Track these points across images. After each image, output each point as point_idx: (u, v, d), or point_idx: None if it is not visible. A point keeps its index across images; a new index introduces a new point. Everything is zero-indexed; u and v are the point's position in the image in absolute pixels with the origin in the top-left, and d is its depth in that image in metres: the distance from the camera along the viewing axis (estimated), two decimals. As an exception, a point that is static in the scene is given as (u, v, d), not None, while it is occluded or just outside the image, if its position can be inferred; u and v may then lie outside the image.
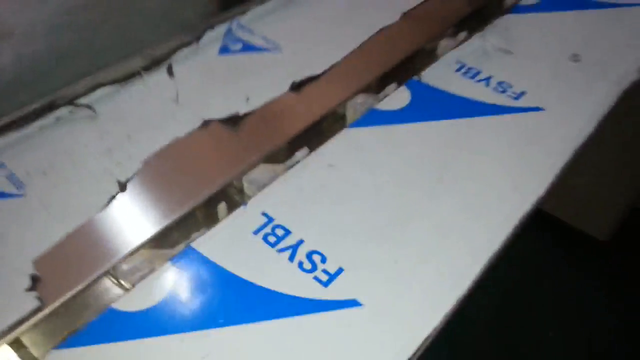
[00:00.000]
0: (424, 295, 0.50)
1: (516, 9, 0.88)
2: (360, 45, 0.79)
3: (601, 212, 1.50)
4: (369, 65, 0.76)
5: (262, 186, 0.59)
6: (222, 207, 0.57)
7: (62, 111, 0.64)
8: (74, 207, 0.55)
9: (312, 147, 0.64)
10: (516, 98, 0.71)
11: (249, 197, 0.58)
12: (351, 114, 0.69)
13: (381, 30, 0.82)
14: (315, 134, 0.67)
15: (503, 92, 0.72)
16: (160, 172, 0.60)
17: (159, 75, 0.71)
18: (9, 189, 0.56)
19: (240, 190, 0.60)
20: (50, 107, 0.63)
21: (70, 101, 0.65)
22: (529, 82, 0.73)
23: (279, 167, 0.61)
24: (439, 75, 0.74)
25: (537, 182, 0.60)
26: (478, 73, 0.75)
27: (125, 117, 0.65)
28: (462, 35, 0.82)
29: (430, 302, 0.49)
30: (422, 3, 0.88)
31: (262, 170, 0.61)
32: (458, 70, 0.75)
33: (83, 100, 0.66)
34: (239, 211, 0.56)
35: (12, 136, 0.61)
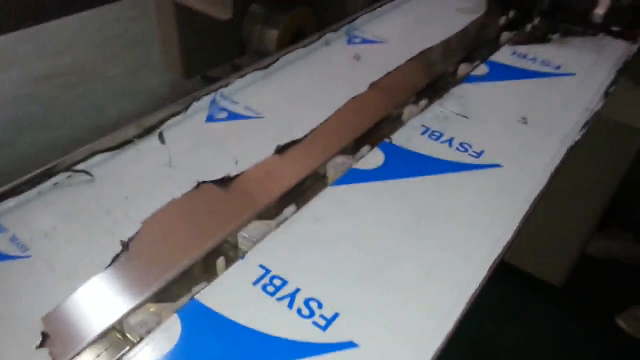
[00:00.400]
0: (414, 333, 0.54)
1: (468, 79, 0.99)
2: (335, 112, 0.86)
3: (555, 259, 1.59)
4: (344, 129, 0.83)
5: (255, 241, 0.63)
6: (220, 261, 0.61)
7: (60, 177, 0.67)
8: (79, 266, 0.57)
9: (299, 205, 0.69)
10: (476, 156, 0.80)
11: (244, 252, 0.62)
12: (332, 174, 0.75)
13: (353, 98, 0.91)
14: (300, 193, 0.72)
15: (465, 151, 0.80)
16: (159, 231, 0.63)
17: (152, 142, 0.76)
18: (14, 251, 0.58)
19: (235, 246, 0.65)
20: (49, 173, 0.67)
21: (68, 167, 0.68)
22: (486, 142, 0.82)
23: (270, 223, 0.66)
24: (408, 137, 0.82)
25: (504, 228, 0.67)
26: (441, 135, 0.83)
27: (122, 180, 0.69)
28: (423, 102, 0.92)
29: (419, 339, 0.54)
30: (386, 75, 0.98)
31: (255, 227, 0.65)
32: (423, 133, 0.83)
33: (80, 167, 0.69)
34: (238, 264, 0.60)
35: (12, 201, 0.63)
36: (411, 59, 1.05)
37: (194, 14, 2.34)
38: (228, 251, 0.64)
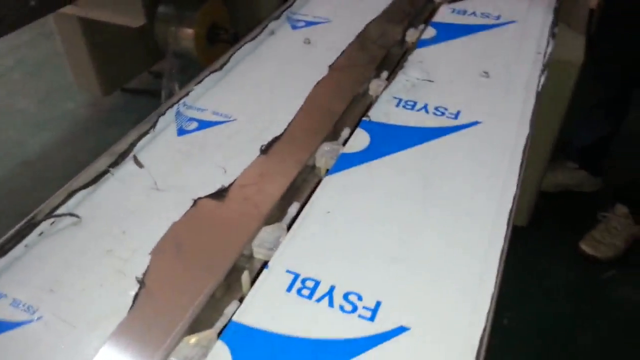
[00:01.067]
0: (460, 303, 0.55)
1: (420, 43, 1.00)
2: (305, 100, 0.85)
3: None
4: (320, 116, 0.82)
5: (271, 247, 0.61)
6: (245, 276, 0.58)
7: (44, 225, 0.62)
8: (100, 316, 0.53)
9: (302, 201, 0.67)
10: (455, 117, 0.81)
11: (264, 261, 0.60)
12: (323, 163, 0.74)
13: (317, 83, 0.89)
14: (298, 189, 0.71)
15: (442, 115, 0.81)
16: (171, 259, 0.59)
17: (129, 168, 0.71)
18: (20, 316, 0.53)
19: (250, 256, 0.62)
20: (31, 225, 0.61)
21: (50, 214, 0.62)
22: (458, 102, 0.84)
23: (281, 226, 0.64)
24: (385, 112, 0.81)
25: (503, 182, 0.68)
26: (415, 103, 0.84)
27: (112, 215, 0.65)
28: (385, 74, 0.92)
29: (468, 305, 0.54)
30: (342, 54, 0.97)
31: (267, 233, 0.63)
32: (398, 105, 0.83)
33: (62, 210, 0.64)
34: (264, 275, 0.57)
35: (1, 262, 0.57)
36: (360, 34, 1.04)
37: (101, 26, 2.21)
38: (246, 264, 0.61)
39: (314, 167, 0.75)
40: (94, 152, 0.70)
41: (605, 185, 1.83)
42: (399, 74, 0.91)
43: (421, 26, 1.07)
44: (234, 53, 0.95)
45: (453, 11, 1.12)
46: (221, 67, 0.91)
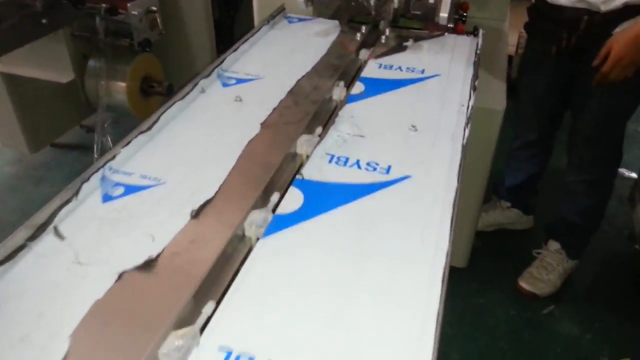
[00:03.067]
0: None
1: (350, 98, 1.02)
2: (237, 160, 0.84)
3: (455, 243, 1.69)
4: (252, 177, 0.80)
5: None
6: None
7: (-50, 313, 0.56)
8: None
9: (234, 268, 0.65)
10: (386, 172, 0.82)
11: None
12: (253, 232, 0.71)
13: (249, 142, 0.88)
14: (229, 257, 0.68)
15: (374, 170, 0.82)
16: (93, 341, 0.55)
17: (48, 241, 0.67)
18: None
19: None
20: None
21: (-44, 298, 0.57)
22: (389, 156, 0.85)
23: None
24: (318, 169, 0.82)
25: (436, 234, 0.69)
26: (347, 159, 0.84)
27: (28, 295, 0.60)
28: (319, 130, 0.92)
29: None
30: (273, 111, 0.98)
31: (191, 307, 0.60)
32: (330, 161, 0.84)
33: (-29, 293, 0.59)
34: (195, 354, 0.54)
35: None
36: (291, 90, 1.05)
37: (27, 82, 2.14)
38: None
39: (243, 236, 0.73)
40: (19, 213, 0.65)
41: (536, 223, 1.91)
42: (331, 129, 0.92)
43: (350, 81, 1.10)
44: (164, 112, 0.94)
45: (380, 66, 1.16)
46: (150, 128, 0.89)
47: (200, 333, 0.56)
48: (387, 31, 1.34)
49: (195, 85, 1.03)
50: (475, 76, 1.10)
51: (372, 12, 1.40)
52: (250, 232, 0.71)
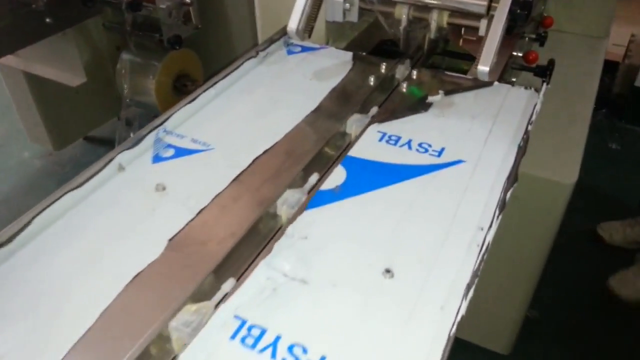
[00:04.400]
0: None
1: (314, 201, 0.71)
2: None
3: (498, 327, 1.36)
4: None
5: None
6: None
7: None
8: None
9: None
10: (313, 374, 0.51)
11: None
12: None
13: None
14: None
15: (295, 365, 0.51)
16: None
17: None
18: None
19: None
20: None
21: None
22: (335, 333, 0.54)
23: None
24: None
25: None
26: (263, 332, 0.54)
27: None
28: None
29: None
30: (196, 217, 0.68)
31: None
32: (235, 338, 0.54)
33: None
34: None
35: None
36: (238, 178, 0.74)
37: (48, 79, 1.98)
38: None
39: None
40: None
41: None
42: (261, 264, 0.61)
43: (334, 162, 0.78)
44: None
45: (382, 137, 0.82)
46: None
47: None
48: (414, 74, 0.99)
49: (111, 160, 0.76)
50: (516, 167, 0.74)
51: (400, 44, 1.05)
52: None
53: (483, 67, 0.81)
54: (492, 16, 0.83)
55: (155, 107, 2.21)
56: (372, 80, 0.95)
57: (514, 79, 1.28)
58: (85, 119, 2.26)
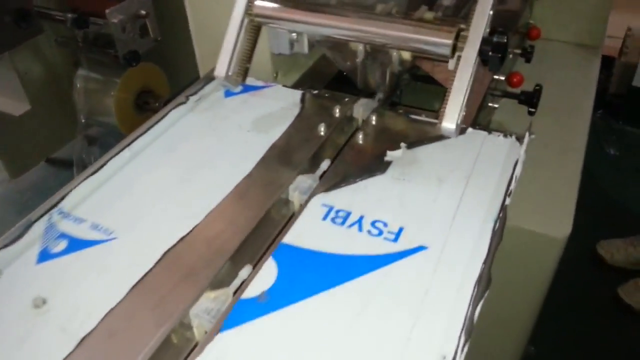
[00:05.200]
0: None
1: (233, 318, 0.55)
2: None
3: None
4: None
5: None
6: None
7: None
8: None
9: None
10: None
11: None
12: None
13: None
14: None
15: None
16: None
17: None
18: None
19: None
20: None
21: None
22: None
23: None
24: None
25: None
26: None
27: None
28: None
29: None
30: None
31: None
32: None
33: None
34: None
35: None
36: (137, 286, 0.59)
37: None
38: None
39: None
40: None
41: None
42: None
43: (267, 249, 0.62)
44: None
45: (327, 214, 0.66)
46: None
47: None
48: (372, 119, 0.83)
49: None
50: (489, 263, 0.58)
51: (357, 82, 0.89)
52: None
53: (448, 125, 0.65)
54: (460, 57, 0.67)
55: (116, 127, 2.04)
56: (322, 130, 0.80)
57: (495, 105, 1.12)
58: (43, 142, 2.09)
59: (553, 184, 0.97)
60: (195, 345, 0.53)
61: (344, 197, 0.68)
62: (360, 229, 0.64)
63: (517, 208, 0.88)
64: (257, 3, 0.76)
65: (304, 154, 0.76)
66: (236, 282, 0.57)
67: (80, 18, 1.68)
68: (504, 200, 0.66)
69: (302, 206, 0.67)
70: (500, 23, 1.15)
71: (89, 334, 0.53)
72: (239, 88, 0.91)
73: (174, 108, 0.83)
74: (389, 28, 0.69)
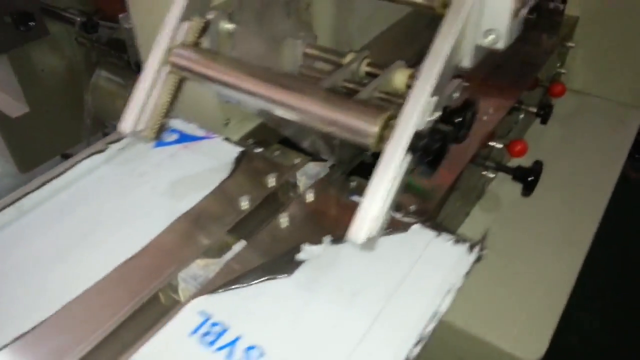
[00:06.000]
0: None
1: None
2: None
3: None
4: None
5: None
6: None
7: None
8: None
9: None
10: None
11: None
12: None
13: None
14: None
15: None
16: None
17: None
18: None
19: None
20: None
21: None
22: None
23: None
24: None
25: None
26: None
27: None
28: None
29: None
30: None
31: None
32: None
33: None
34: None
35: None
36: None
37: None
38: None
39: None
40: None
41: None
42: None
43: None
44: None
45: (198, 328, 0.53)
46: None
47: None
48: (309, 196, 0.70)
49: None
50: None
51: (303, 146, 0.76)
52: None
53: (353, 236, 0.50)
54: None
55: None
56: (245, 203, 0.67)
57: (491, 175, 0.95)
58: (58, 137, 2.08)
59: (537, 289, 0.80)
60: None
61: (228, 304, 0.56)
62: (230, 355, 0.51)
63: (484, 315, 0.73)
64: (176, 51, 0.65)
65: (213, 232, 0.64)
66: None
67: (90, 22, 1.62)
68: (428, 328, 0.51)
69: (179, 308, 0.55)
70: (513, 72, 0.97)
71: None
72: (173, 137, 0.80)
73: (87, 157, 0.73)
74: (304, 101, 0.55)
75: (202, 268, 0.60)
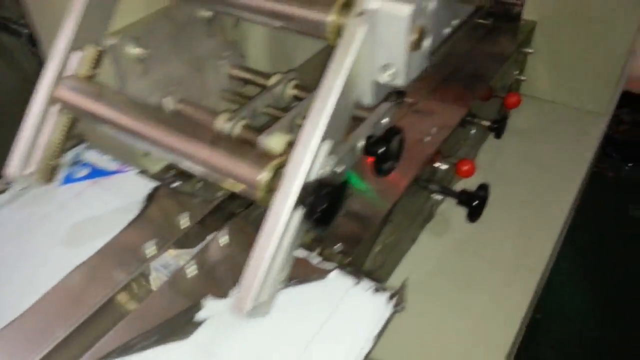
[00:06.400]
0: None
1: None
2: None
3: None
4: None
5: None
6: None
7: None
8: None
9: None
10: None
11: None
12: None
13: None
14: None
15: None
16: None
17: None
18: None
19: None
20: None
21: None
22: None
23: None
24: None
25: None
26: None
27: None
28: None
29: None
30: None
31: None
32: None
33: None
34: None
35: None
36: None
37: None
38: None
39: None
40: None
41: None
42: None
43: None
44: None
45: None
46: None
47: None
48: (224, 238, 0.63)
49: None
50: None
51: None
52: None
53: (240, 306, 0.44)
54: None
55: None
56: (149, 250, 0.61)
57: (438, 197, 0.89)
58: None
59: (488, 321, 0.74)
60: None
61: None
62: None
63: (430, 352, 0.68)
64: (62, 87, 0.58)
65: (109, 288, 0.58)
66: None
67: (30, 37, 1.55)
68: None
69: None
70: (463, 84, 0.91)
71: None
72: (84, 172, 0.74)
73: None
74: (189, 145, 0.49)
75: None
